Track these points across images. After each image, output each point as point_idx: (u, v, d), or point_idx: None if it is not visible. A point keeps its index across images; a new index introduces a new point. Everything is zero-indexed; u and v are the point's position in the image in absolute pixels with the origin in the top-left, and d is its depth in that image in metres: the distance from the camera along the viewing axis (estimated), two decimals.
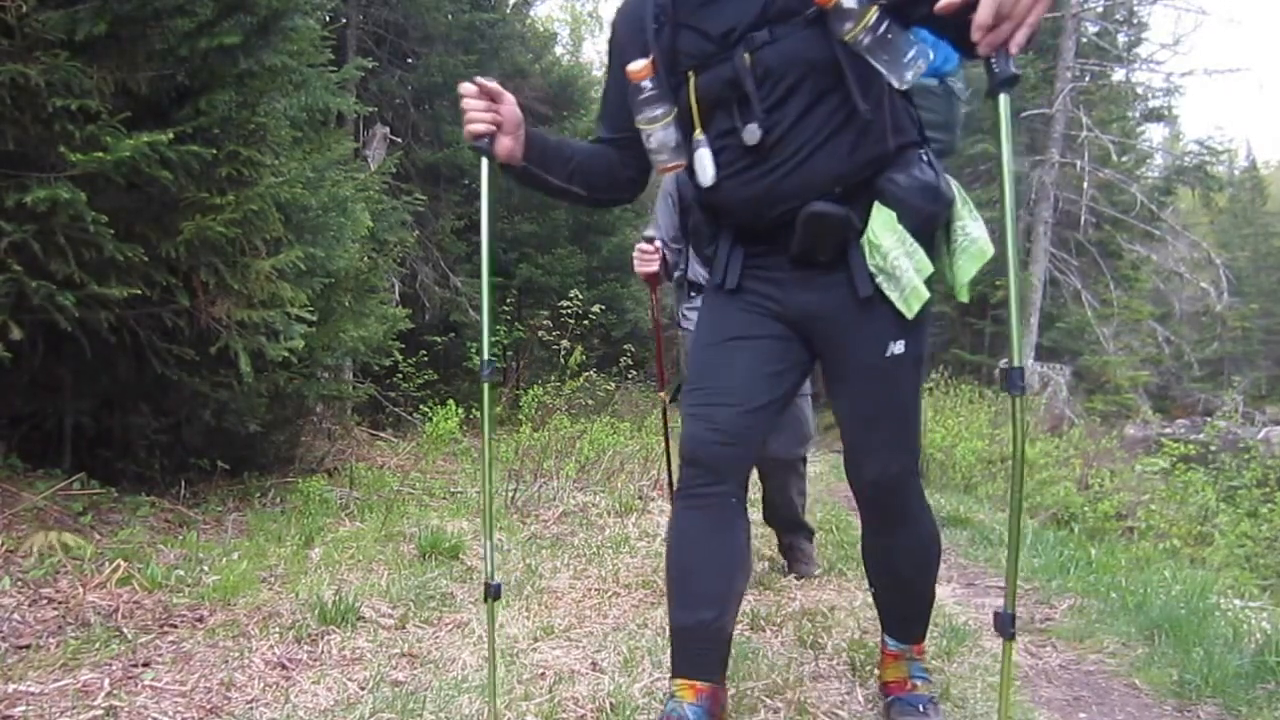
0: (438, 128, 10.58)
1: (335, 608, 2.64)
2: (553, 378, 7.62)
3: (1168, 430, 13.76)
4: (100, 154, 3.03)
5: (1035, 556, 3.85)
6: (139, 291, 3.37)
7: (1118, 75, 16.59)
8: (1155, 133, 23.09)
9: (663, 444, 3.91)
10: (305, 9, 4.14)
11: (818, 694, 2.12)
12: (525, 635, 2.56)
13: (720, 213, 1.79)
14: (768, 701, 2.07)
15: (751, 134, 1.60)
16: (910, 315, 1.65)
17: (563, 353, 7.56)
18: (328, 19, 5.71)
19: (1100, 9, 15.34)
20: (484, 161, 1.75)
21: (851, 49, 1.54)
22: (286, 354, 3.99)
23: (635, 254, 3.13)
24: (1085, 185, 14.07)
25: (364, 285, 5.41)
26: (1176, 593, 3.07)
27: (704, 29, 1.64)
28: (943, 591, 3.22)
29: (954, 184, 1.73)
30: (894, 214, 1.63)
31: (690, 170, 1.72)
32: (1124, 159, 16.44)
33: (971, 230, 1.71)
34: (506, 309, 11.28)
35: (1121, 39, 16.50)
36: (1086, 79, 15.33)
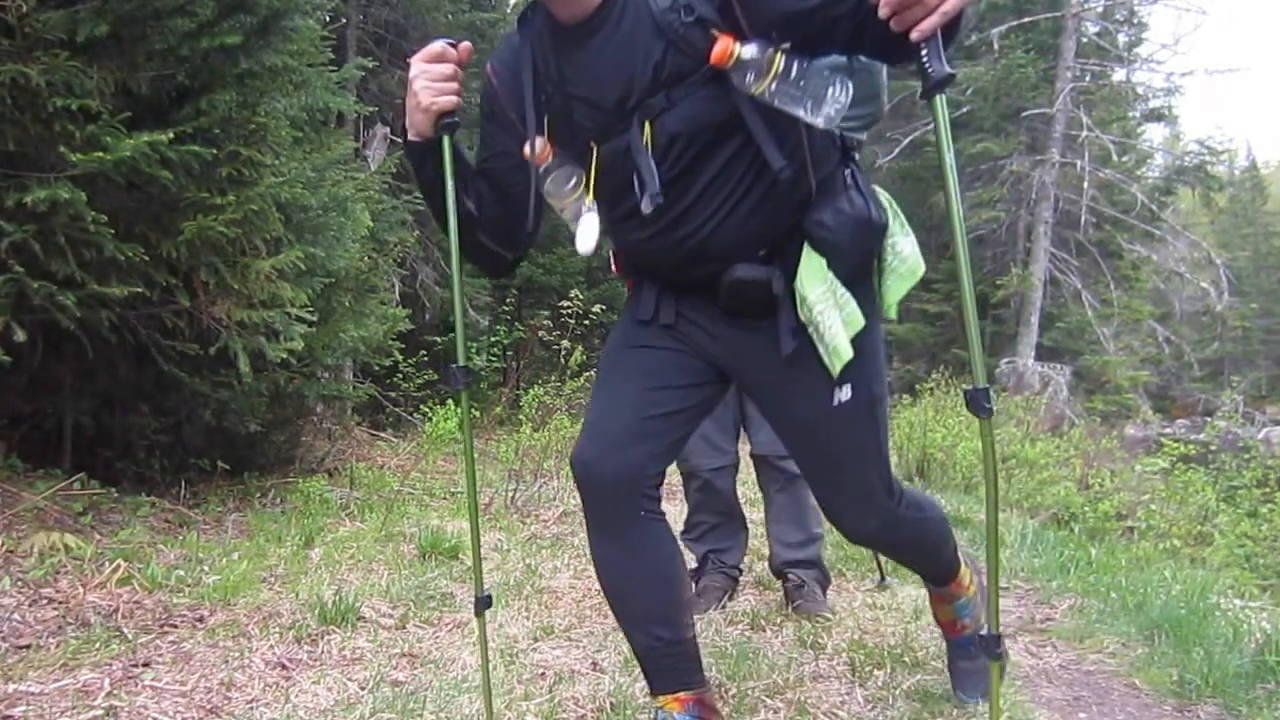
0: None
1: (335, 608, 2.64)
2: (553, 378, 7.61)
3: (1168, 430, 13.77)
4: (100, 154, 3.03)
5: (1035, 556, 3.85)
6: (139, 291, 3.37)
7: (1118, 75, 16.59)
8: (1155, 133, 23.09)
9: None
10: (305, 9, 4.14)
11: (818, 694, 2.12)
12: (525, 635, 2.56)
13: (642, 267, 1.70)
14: (768, 701, 2.07)
15: (645, 205, 1.47)
16: (834, 374, 1.53)
17: (563, 353, 7.56)
18: (328, 19, 5.71)
19: (1100, 9, 15.34)
20: (446, 143, 1.57)
21: (761, 102, 1.41)
22: (286, 354, 3.99)
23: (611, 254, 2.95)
24: (1085, 185, 14.07)
25: (364, 285, 5.41)
26: (1176, 593, 3.07)
27: (595, 99, 1.49)
28: None
29: (884, 197, 1.64)
30: (824, 261, 1.52)
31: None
32: (1124, 159, 16.43)
33: (902, 248, 1.61)
34: (506, 309, 11.27)
35: (1122, 39, 16.50)
36: (1087, 79, 15.33)
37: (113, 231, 3.17)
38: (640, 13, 1.43)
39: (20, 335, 3.08)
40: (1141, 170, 17.98)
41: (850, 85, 1.42)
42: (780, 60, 1.38)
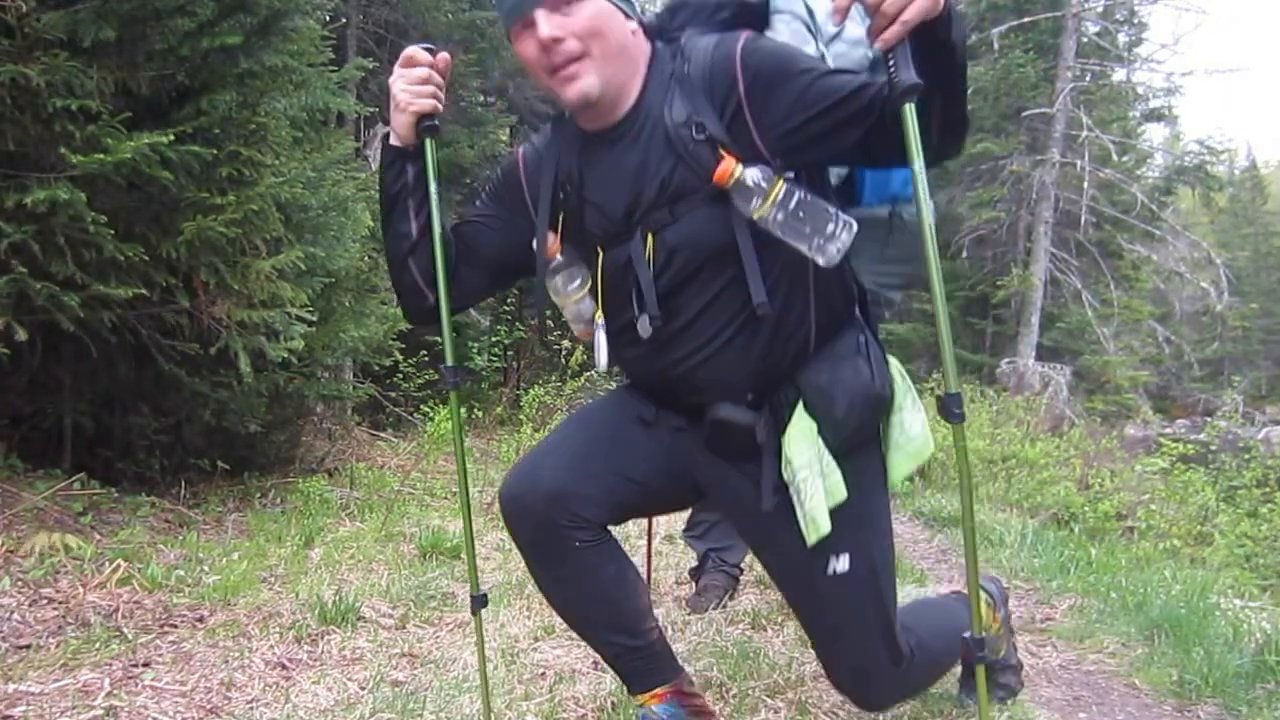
0: None
1: (335, 608, 2.64)
2: (553, 378, 7.62)
3: (1168, 430, 13.75)
4: (101, 155, 3.03)
5: (1035, 556, 3.85)
6: (139, 292, 3.37)
7: (1118, 75, 16.59)
8: (1155, 133, 23.10)
9: None
10: (305, 9, 4.14)
11: (818, 694, 2.12)
12: (526, 635, 2.56)
13: (636, 383, 1.68)
14: (768, 701, 2.07)
15: (644, 327, 1.47)
16: (808, 544, 1.44)
17: (564, 353, 7.57)
18: (328, 19, 5.71)
19: (1100, 9, 15.34)
20: (429, 146, 1.59)
21: (760, 228, 1.39)
22: (287, 354, 3.99)
23: None
24: (1086, 185, 14.06)
25: (364, 285, 5.42)
26: (1176, 593, 3.07)
27: (605, 206, 1.52)
28: (945, 592, 3.22)
29: (896, 368, 1.56)
30: (815, 425, 1.46)
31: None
32: (1124, 159, 16.43)
33: (910, 425, 1.53)
34: (507, 309, 11.28)
35: (1122, 39, 16.50)
36: (1087, 79, 15.33)
37: (112, 232, 3.17)
38: (658, 126, 1.45)
39: (21, 335, 3.08)
40: (1141, 170, 17.97)
41: (854, 225, 1.39)
42: (781, 187, 1.37)
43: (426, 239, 1.61)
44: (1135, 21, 16.98)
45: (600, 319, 1.57)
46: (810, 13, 1.48)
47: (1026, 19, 14.56)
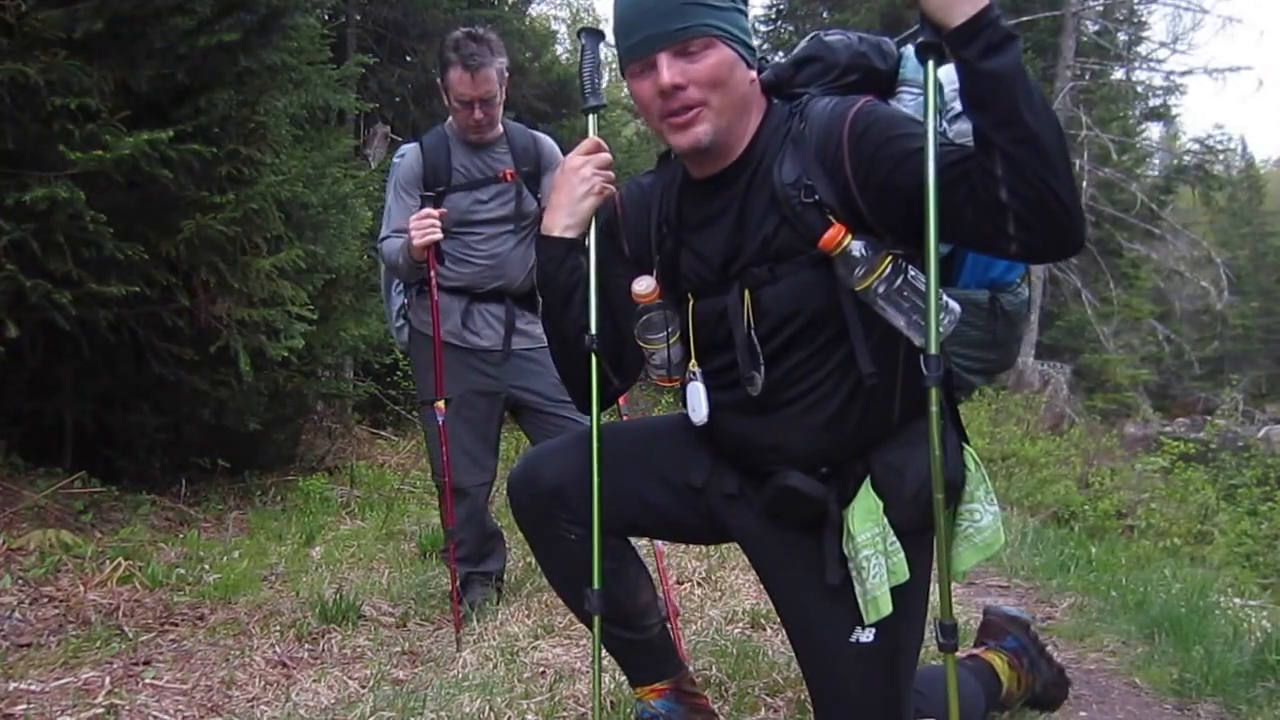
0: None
1: (336, 606, 2.64)
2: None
3: (1168, 429, 13.77)
4: (100, 153, 3.03)
5: (1036, 555, 3.85)
6: (139, 290, 3.37)
7: (1118, 74, 16.59)
8: (1155, 132, 23.08)
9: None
10: (305, 7, 4.14)
11: None
12: (526, 634, 2.56)
13: (706, 436, 1.61)
14: (769, 700, 2.07)
15: (755, 384, 1.42)
16: (867, 621, 1.42)
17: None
18: (328, 16, 5.71)
19: (1100, 8, 15.34)
20: (592, 227, 1.59)
21: (862, 300, 1.35)
22: (287, 353, 3.99)
23: (413, 222, 2.58)
24: (1085, 184, 14.05)
25: (364, 283, 5.41)
26: (1176, 591, 3.07)
27: (704, 254, 1.48)
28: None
29: (971, 458, 1.50)
30: (881, 504, 1.42)
31: (683, 398, 1.53)
32: (1124, 158, 16.42)
33: (981, 518, 1.49)
34: None
35: (1122, 38, 16.49)
36: (1086, 78, 15.32)
37: (112, 230, 3.17)
38: (764, 181, 1.42)
39: (13, 331, 3.08)
40: (1141, 169, 17.97)
41: (958, 312, 1.35)
42: (888, 263, 1.32)
43: (607, 323, 1.58)
44: (1135, 20, 16.99)
45: (696, 368, 1.51)
46: (940, 87, 1.43)
47: (1026, 18, 14.56)
